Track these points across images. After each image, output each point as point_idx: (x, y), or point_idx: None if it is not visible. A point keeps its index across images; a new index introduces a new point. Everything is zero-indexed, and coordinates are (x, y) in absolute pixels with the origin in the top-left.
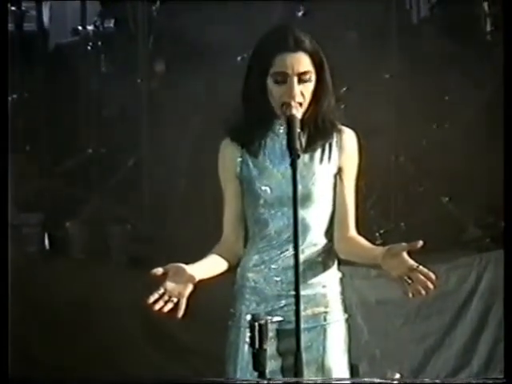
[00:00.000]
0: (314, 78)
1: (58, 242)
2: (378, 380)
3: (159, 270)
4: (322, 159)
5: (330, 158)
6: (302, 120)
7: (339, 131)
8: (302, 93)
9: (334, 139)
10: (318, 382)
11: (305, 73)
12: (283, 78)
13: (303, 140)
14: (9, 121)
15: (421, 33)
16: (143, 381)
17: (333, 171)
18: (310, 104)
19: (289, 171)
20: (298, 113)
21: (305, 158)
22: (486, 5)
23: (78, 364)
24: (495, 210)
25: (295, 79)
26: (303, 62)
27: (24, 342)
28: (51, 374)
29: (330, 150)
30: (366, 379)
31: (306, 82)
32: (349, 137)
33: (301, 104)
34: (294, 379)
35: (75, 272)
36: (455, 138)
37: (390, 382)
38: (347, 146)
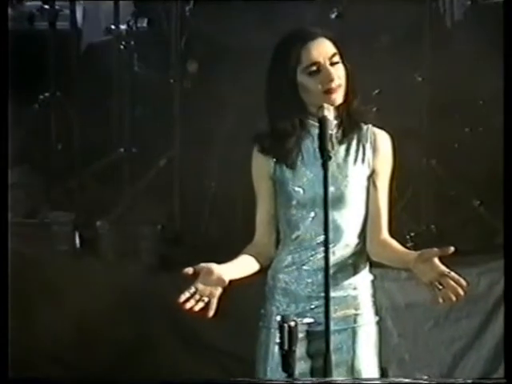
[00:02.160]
0: (340, 60)
1: (88, 241)
2: (406, 380)
3: (190, 270)
4: (355, 161)
5: (363, 159)
6: (338, 112)
7: (373, 133)
8: (337, 74)
9: (369, 141)
10: (345, 382)
11: (333, 55)
12: (316, 67)
13: (335, 140)
14: (8, 121)
15: (454, 36)
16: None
17: (366, 173)
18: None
19: (322, 172)
20: (330, 114)
21: (338, 159)
22: None
23: (106, 366)
24: None
25: (327, 63)
26: (328, 46)
27: (54, 342)
28: (79, 375)
29: (364, 151)
30: (393, 379)
31: (336, 63)
32: (383, 139)
33: (339, 89)
34: (321, 379)
35: (105, 272)
36: (488, 142)
37: (415, 381)
38: (381, 147)
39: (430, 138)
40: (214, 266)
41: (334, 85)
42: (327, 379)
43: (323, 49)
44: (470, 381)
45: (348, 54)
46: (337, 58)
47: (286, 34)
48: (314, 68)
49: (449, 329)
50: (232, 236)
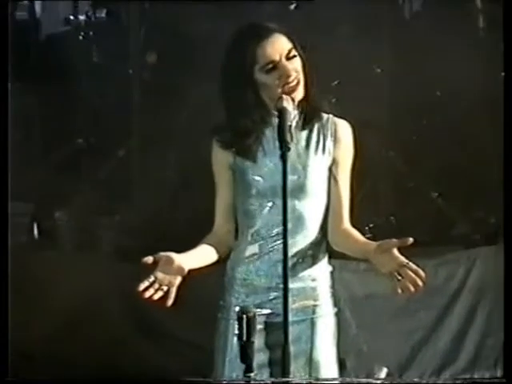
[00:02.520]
0: (296, 53)
1: (46, 232)
2: (364, 380)
3: (150, 259)
4: (316, 151)
5: (324, 149)
6: (298, 103)
7: (334, 123)
8: (295, 69)
9: (329, 131)
10: (304, 382)
11: (289, 51)
12: (273, 65)
13: (295, 129)
14: (9, 113)
15: (412, 27)
16: (132, 374)
17: (327, 163)
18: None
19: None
20: (289, 105)
21: (299, 149)
22: (478, 1)
23: (64, 353)
24: (484, 207)
25: (284, 60)
26: (283, 42)
27: (15, 331)
28: (39, 362)
29: (325, 141)
30: (349, 379)
31: (293, 57)
32: (344, 128)
33: (297, 84)
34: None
35: (64, 262)
36: (445, 134)
37: (375, 382)
38: (342, 137)
39: (389, 129)
40: (173, 255)
41: (291, 81)
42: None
43: (279, 45)
44: (470, 381)
45: (307, 45)
46: (293, 52)
47: (239, 31)
48: (271, 66)
49: (407, 320)
50: (191, 226)
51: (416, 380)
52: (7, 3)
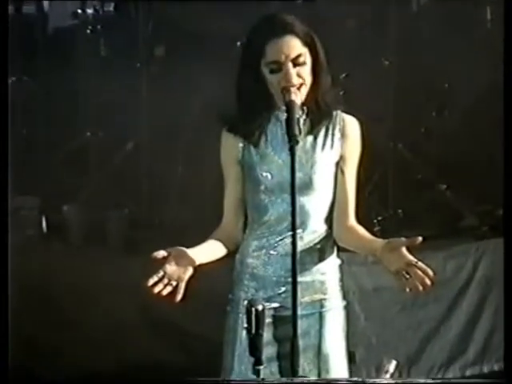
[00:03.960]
0: (309, 59)
1: (55, 225)
2: (370, 380)
3: (160, 253)
4: (324, 147)
5: (332, 145)
6: (305, 103)
7: (342, 119)
8: (300, 75)
9: (337, 127)
10: (311, 381)
11: (297, 56)
12: (278, 66)
13: (303, 126)
14: (9, 106)
15: (420, 20)
16: (141, 368)
17: (335, 159)
18: (311, 86)
19: (290, 157)
20: (297, 98)
21: (307, 145)
22: None
23: (74, 349)
24: (492, 199)
25: (289, 65)
26: (293, 46)
27: (20, 326)
28: (48, 359)
29: (333, 137)
30: (356, 379)
31: (300, 64)
32: (352, 125)
33: (301, 87)
34: (284, 379)
35: (72, 256)
36: (454, 126)
37: (382, 381)
38: (350, 134)
39: (397, 121)
40: (183, 250)
41: (291, 87)
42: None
43: (287, 48)
44: (471, 381)
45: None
46: (302, 59)
47: (258, 22)
48: (275, 66)
49: (416, 313)
50: (199, 220)
51: (421, 381)
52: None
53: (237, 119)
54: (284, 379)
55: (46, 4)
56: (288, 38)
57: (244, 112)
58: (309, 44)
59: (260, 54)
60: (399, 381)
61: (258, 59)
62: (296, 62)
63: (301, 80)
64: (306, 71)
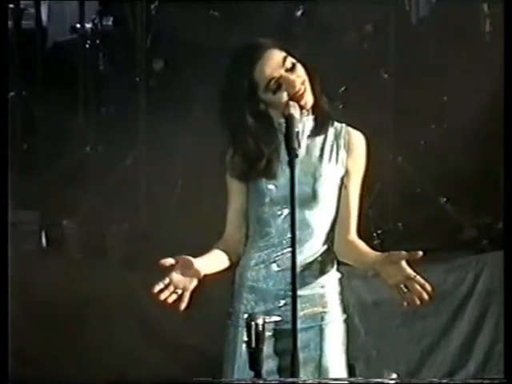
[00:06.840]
0: (293, 60)
1: (54, 240)
2: (374, 380)
3: (168, 261)
4: (329, 160)
5: (337, 159)
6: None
7: (347, 133)
8: (299, 77)
9: (342, 141)
10: (311, 381)
11: (284, 61)
12: (276, 82)
13: (303, 138)
14: (9, 119)
15: (420, 33)
16: (140, 381)
17: (340, 173)
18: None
19: (295, 171)
20: (296, 112)
21: (312, 158)
22: (485, 6)
23: (73, 363)
24: (493, 212)
25: (284, 73)
26: (277, 55)
27: (21, 339)
28: (47, 372)
29: (338, 151)
30: (361, 379)
31: (292, 67)
32: (358, 139)
33: (304, 93)
34: (289, 380)
35: (72, 270)
36: (453, 139)
37: (387, 381)
38: (355, 148)
39: (397, 134)
40: (191, 259)
41: (298, 90)
42: (294, 379)
43: (274, 61)
44: (470, 381)
45: (314, 51)
46: (290, 61)
47: (233, 58)
48: (274, 84)
49: (416, 326)
50: (199, 234)
51: (425, 381)
52: (7, 12)
53: (239, 161)
54: (284, 379)
55: (45, 19)
56: (268, 52)
57: (243, 152)
58: (286, 50)
59: (252, 83)
60: (402, 381)
61: (253, 89)
62: (288, 68)
63: (300, 82)
64: (302, 71)
